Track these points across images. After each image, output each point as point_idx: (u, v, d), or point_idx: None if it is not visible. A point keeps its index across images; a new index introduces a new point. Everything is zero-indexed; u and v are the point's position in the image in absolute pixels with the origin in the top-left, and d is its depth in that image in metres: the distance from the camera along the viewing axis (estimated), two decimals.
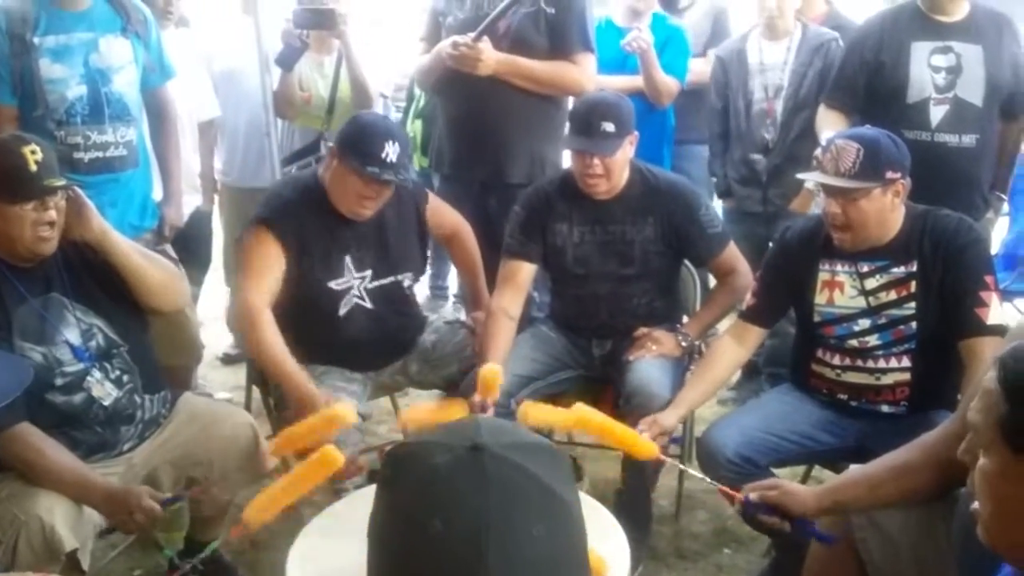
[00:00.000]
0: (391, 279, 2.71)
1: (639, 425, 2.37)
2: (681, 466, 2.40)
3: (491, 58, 2.95)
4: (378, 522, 0.86)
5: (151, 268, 2.28)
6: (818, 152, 2.85)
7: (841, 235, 2.30)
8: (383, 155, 2.46)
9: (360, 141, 2.50)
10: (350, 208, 2.57)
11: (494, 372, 2.20)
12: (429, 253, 3.67)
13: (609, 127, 2.56)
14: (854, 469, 1.98)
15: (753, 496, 1.91)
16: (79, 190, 2.18)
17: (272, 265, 2.53)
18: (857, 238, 2.30)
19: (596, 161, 2.59)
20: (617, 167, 2.63)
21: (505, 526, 0.79)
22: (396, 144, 2.48)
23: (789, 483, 1.95)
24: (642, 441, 2.06)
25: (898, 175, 2.24)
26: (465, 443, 0.83)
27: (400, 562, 0.82)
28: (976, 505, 1.14)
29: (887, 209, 2.26)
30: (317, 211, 2.58)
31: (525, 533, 0.80)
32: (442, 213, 2.90)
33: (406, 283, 2.77)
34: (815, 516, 1.88)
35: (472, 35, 2.93)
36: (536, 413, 2.00)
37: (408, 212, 2.75)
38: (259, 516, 1.73)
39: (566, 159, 3.06)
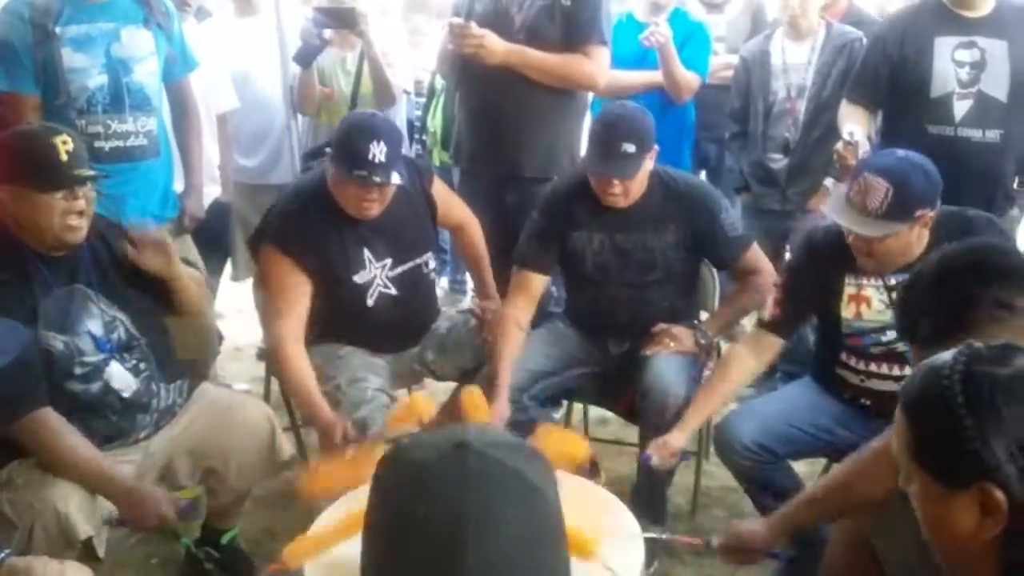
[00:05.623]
0: (411, 264, 2.73)
1: (648, 448, 2.37)
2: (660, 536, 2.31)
3: (497, 46, 2.93)
4: (370, 510, 0.95)
5: (192, 285, 2.37)
6: (839, 146, 2.83)
7: (864, 260, 2.26)
8: (370, 156, 2.43)
9: (346, 145, 2.50)
10: (354, 211, 2.58)
11: (474, 395, 2.24)
12: (448, 247, 3.62)
13: (630, 148, 2.53)
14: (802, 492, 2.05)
15: (715, 545, 2.00)
16: (166, 233, 2.31)
17: (294, 289, 2.56)
18: (880, 265, 2.25)
19: (616, 182, 2.58)
20: (637, 184, 2.62)
21: (482, 511, 0.88)
22: (382, 143, 2.44)
23: (739, 522, 2.06)
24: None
25: (927, 209, 2.16)
26: (452, 442, 0.93)
27: (388, 544, 0.91)
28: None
29: (913, 242, 2.20)
30: (326, 212, 2.59)
31: (500, 516, 0.89)
32: (450, 201, 2.90)
33: (430, 264, 2.80)
34: (773, 542, 1.94)
35: (462, 17, 2.96)
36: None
37: (416, 194, 2.75)
38: (299, 558, 1.76)
39: (583, 147, 3.04)
